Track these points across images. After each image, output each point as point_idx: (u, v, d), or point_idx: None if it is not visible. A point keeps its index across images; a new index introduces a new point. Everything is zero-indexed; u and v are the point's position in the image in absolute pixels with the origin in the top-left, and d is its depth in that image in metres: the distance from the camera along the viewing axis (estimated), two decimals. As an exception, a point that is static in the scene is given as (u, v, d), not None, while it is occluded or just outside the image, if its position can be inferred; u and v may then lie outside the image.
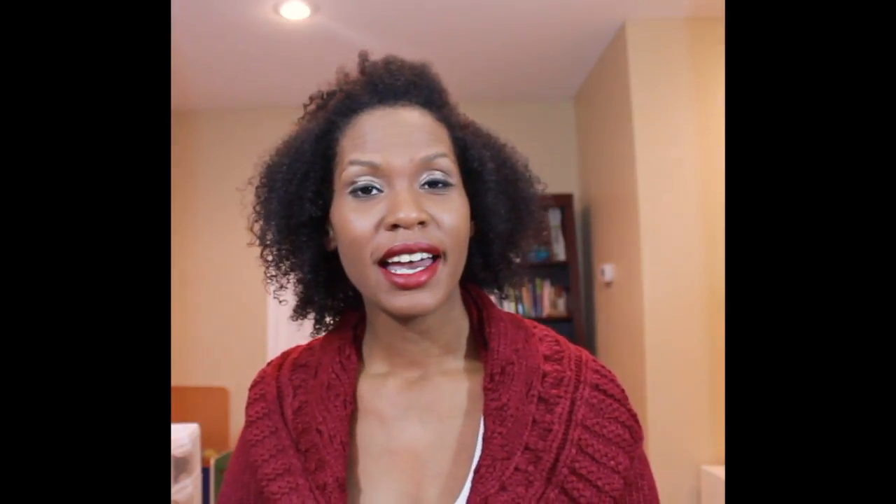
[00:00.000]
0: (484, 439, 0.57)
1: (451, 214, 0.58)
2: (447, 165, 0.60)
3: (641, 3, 2.65)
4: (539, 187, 0.69)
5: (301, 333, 0.71)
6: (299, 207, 0.63)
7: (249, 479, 0.64)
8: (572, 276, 3.38)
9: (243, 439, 0.66)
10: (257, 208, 0.66)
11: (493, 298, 0.70)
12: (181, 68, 3.13)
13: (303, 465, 0.59)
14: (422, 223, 0.57)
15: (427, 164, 0.59)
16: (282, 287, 0.68)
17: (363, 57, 0.66)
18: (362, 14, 2.70)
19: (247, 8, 2.62)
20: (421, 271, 0.56)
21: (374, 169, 0.58)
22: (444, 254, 0.58)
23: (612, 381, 0.63)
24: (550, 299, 3.44)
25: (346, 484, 0.57)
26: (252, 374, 0.70)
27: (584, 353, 0.65)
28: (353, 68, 0.66)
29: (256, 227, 0.66)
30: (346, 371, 0.63)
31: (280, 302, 0.68)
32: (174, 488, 2.26)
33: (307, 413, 0.62)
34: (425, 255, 0.57)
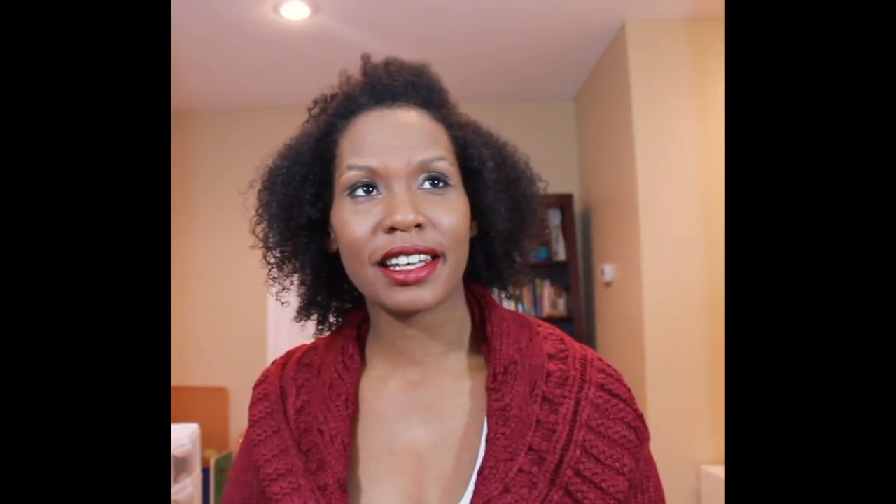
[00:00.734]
0: (487, 440, 0.57)
1: (449, 215, 0.58)
2: (445, 167, 0.60)
3: (641, 3, 2.65)
4: (540, 185, 0.68)
5: (301, 333, 0.71)
6: (299, 209, 0.63)
7: (253, 479, 0.64)
8: (572, 276, 3.38)
9: (246, 439, 0.66)
10: (259, 211, 0.66)
11: (496, 297, 0.70)
12: (181, 68, 3.13)
13: (304, 465, 0.59)
14: (419, 225, 0.57)
15: (425, 167, 0.59)
16: (284, 289, 0.68)
17: (365, 59, 0.66)
18: (362, 14, 2.70)
19: (247, 8, 2.62)
20: (420, 267, 0.57)
21: (372, 172, 0.59)
22: (443, 255, 0.58)
23: (619, 380, 0.62)
24: (550, 299, 3.44)
25: (348, 485, 0.57)
26: (252, 374, 0.70)
27: (590, 352, 0.64)
28: (355, 70, 0.66)
29: (258, 229, 0.67)
30: (348, 371, 0.63)
31: (282, 304, 0.68)
32: (174, 488, 2.26)
33: (309, 413, 0.61)
34: (423, 257, 0.57)
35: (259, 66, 3.21)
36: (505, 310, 0.67)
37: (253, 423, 0.64)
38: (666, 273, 2.65)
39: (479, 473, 0.55)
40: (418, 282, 0.56)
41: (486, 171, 0.63)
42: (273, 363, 0.70)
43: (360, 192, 0.59)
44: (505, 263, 0.68)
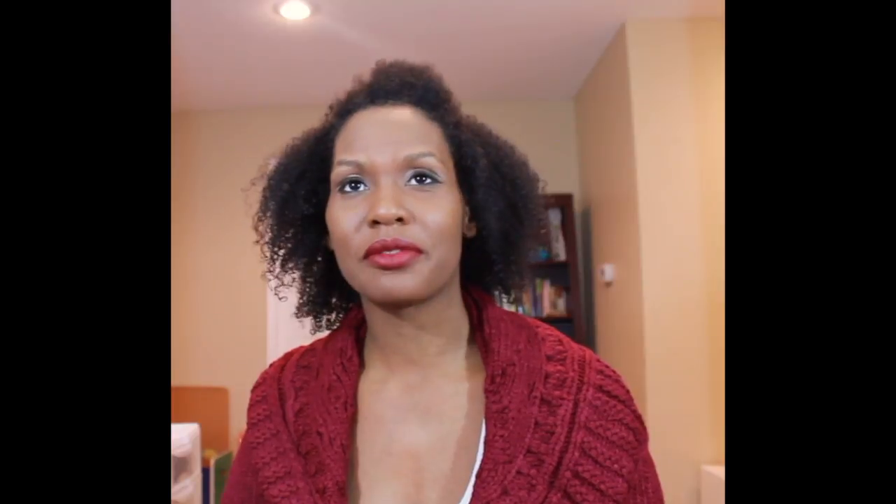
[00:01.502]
0: (485, 442, 0.57)
1: (434, 212, 0.59)
2: (433, 164, 0.60)
3: (641, 3, 2.65)
4: (539, 186, 0.68)
5: (301, 334, 0.71)
6: (293, 205, 0.65)
7: (251, 482, 0.64)
8: (572, 276, 3.38)
9: (245, 441, 0.66)
10: (260, 206, 0.68)
11: (498, 300, 0.70)
12: (181, 68, 3.13)
13: (303, 467, 0.59)
14: (400, 220, 0.57)
15: (411, 163, 0.59)
16: (283, 284, 0.68)
17: (379, 65, 0.67)
18: (362, 14, 2.70)
19: (247, 8, 2.62)
20: (400, 252, 0.57)
21: (360, 168, 0.60)
22: (426, 252, 0.58)
23: (617, 381, 0.62)
24: (550, 299, 3.44)
25: (347, 487, 0.57)
26: (252, 374, 0.70)
27: (588, 353, 0.64)
28: (367, 73, 0.68)
29: (260, 225, 0.68)
30: (347, 373, 0.63)
31: (280, 299, 0.69)
32: (174, 488, 2.26)
33: (308, 415, 0.61)
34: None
35: (259, 66, 3.21)
36: (503, 311, 0.67)
37: (251, 425, 0.64)
38: (666, 273, 2.65)
39: (478, 476, 0.55)
40: (401, 266, 0.57)
41: (478, 168, 0.63)
42: (271, 365, 0.70)
43: (348, 187, 0.60)
44: (502, 265, 0.67)
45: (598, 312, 3.39)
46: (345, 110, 0.64)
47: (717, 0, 2.44)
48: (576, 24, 2.84)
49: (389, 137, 0.60)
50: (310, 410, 0.62)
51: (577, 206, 3.61)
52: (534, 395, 0.59)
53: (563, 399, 0.59)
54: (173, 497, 2.23)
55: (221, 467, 3.17)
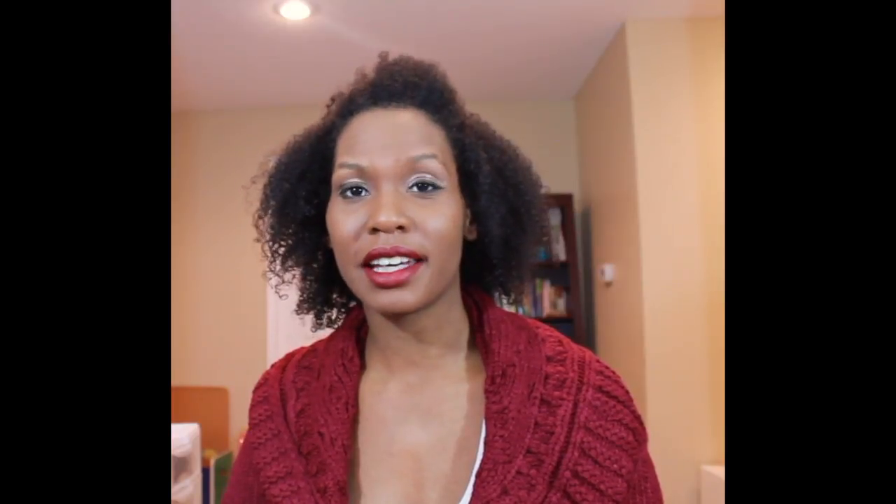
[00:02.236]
0: (485, 442, 0.57)
1: (436, 219, 0.58)
2: (435, 167, 0.59)
3: (641, 3, 2.65)
4: (542, 190, 0.68)
5: (301, 333, 0.72)
6: (294, 205, 0.64)
7: (253, 481, 0.64)
8: (572, 276, 3.38)
9: (246, 441, 0.66)
10: (261, 204, 0.67)
11: (497, 301, 0.70)
12: (181, 68, 3.13)
13: (304, 468, 0.59)
14: (401, 227, 0.57)
15: (413, 166, 0.59)
16: (283, 282, 0.68)
17: (382, 58, 0.66)
18: (362, 14, 2.70)
19: (247, 8, 2.62)
20: (401, 270, 0.57)
21: (361, 171, 0.59)
22: (426, 258, 0.58)
23: (616, 382, 0.62)
24: (550, 299, 3.44)
25: (348, 487, 0.57)
26: (252, 374, 0.70)
27: (588, 354, 0.64)
28: (369, 69, 0.67)
29: (260, 222, 0.68)
30: (348, 374, 0.63)
31: (281, 297, 0.69)
32: (174, 488, 2.26)
33: (309, 416, 0.61)
34: (404, 260, 0.57)
35: (259, 66, 3.21)
36: (503, 311, 0.67)
37: (253, 425, 0.65)
38: (666, 273, 2.65)
39: (478, 475, 0.56)
40: (399, 284, 0.57)
41: (481, 174, 0.63)
42: (273, 366, 0.70)
43: (349, 192, 0.60)
44: (503, 268, 0.67)
45: (598, 312, 3.39)
46: (347, 110, 0.63)
47: (717, 0, 2.44)
48: (576, 24, 2.84)
49: (392, 141, 0.59)
50: (311, 411, 0.62)
51: (577, 206, 3.61)
52: (534, 395, 0.59)
53: (562, 399, 0.59)
54: (173, 497, 2.23)
55: (221, 467, 3.17)
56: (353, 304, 0.71)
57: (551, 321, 3.30)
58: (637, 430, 0.60)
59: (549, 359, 0.62)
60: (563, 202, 3.41)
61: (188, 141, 3.72)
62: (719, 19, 2.67)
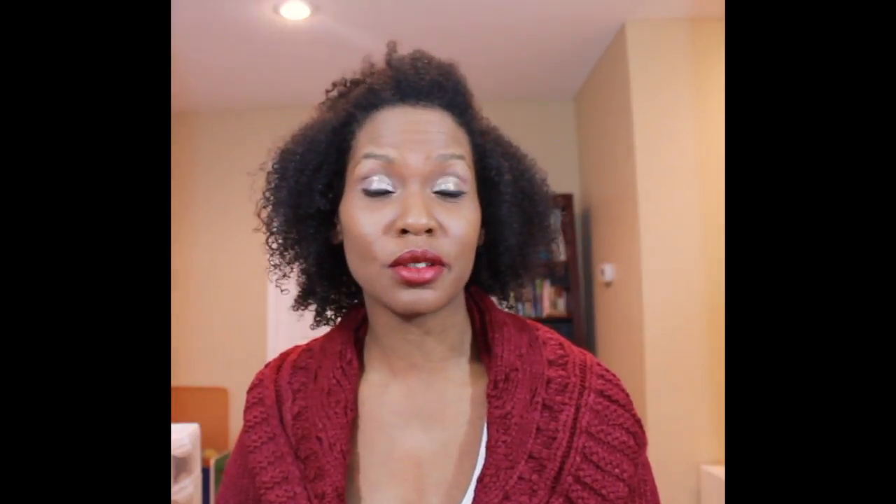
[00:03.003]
0: (487, 448, 0.57)
1: (459, 223, 0.57)
2: (462, 169, 0.59)
3: (641, 3, 2.65)
4: (552, 203, 0.68)
5: (301, 334, 0.71)
6: (308, 199, 0.62)
7: (248, 484, 0.64)
8: (572, 276, 3.38)
9: (241, 443, 0.65)
10: (267, 195, 0.65)
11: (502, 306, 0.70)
12: (181, 68, 3.13)
13: (301, 472, 0.58)
14: (429, 231, 0.56)
15: (442, 165, 0.58)
16: (284, 276, 0.67)
17: (391, 49, 0.65)
18: (362, 14, 2.70)
19: (247, 8, 2.62)
20: (426, 268, 0.56)
21: (389, 164, 0.57)
22: (449, 264, 0.57)
23: (617, 385, 0.62)
24: (550, 299, 3.44)
25: (347, 492, 0.57)
26: (252, 374, 0.69)
27: (589, 357, 0.64)
28: (379, 58, 0.65)
29: (264, 213, 0.65)
30: (347, 377, 0.62)
31: (282, 291, 0.67)
32: (174, 488, 2.26)
33: (307, 419, 0.60)
34: (429, 263, 0.56)
35: (259, 66, 3.21)
36: (504, 314, 0.67)
37: (248, 428, 0.63)
38: (666, 273, 2.65)
39: (480, 481, 0.55)
40: (424, 283, 0.56)
41: (503, 183, 0.62)
42: (267, 366, 0.68)
43: (373, 189, 0.58)
44: (510, 275, 0.67)
45: (598, 312, 3.39)
46: (369, 103, 0.61)
47: (717, 0, 2.44)
48: (576, 24, 2.84)
49: (423, 136, 0.58)
50: (309, 414, 0.61)
51: (577, 207, 3.61)
52: (535, 400, 0.59)
53: (564, 404, 0.59)
54: (173, 497, 2.23)
55: (221, 467, 3.17)
56: (348, 303, 0.70)
57: (551, 321, 3.30)
58: (637, 434, 0.60)
59: (550, 363, 0.61)
60: (563, 202, 3.41)
61: (188, 141, 3.72)
62: (719, 20, 2.67)
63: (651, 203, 2.68)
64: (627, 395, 0.62)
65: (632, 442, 0.59)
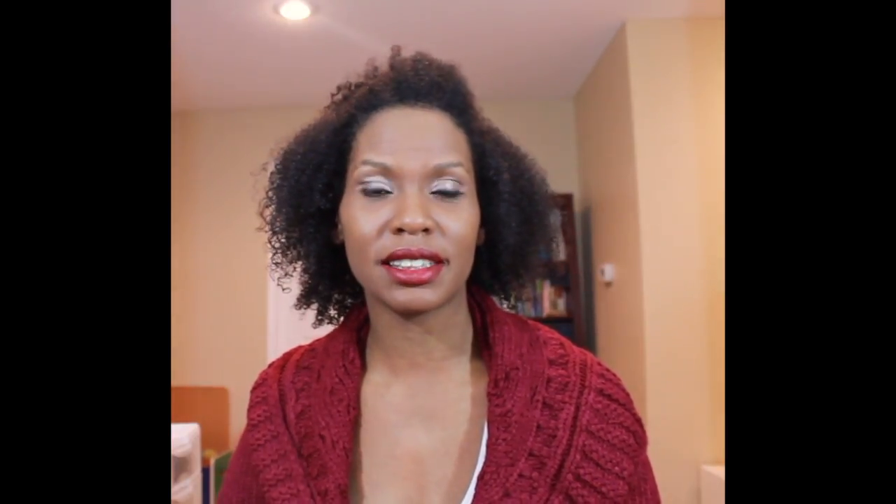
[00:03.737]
0: (488, 445, 0.57)
1: (457, 223, 0.58)
2: (460, 174, 0.59)
3: (641, 3, 2.65)
4: (552, 203, 0.68)
5: (302, 333, 0.71)
6: (309, 198, 0.63)
7: (251, 482, 0.64)
8: (572, 276, 3.38)
9: (244, 442, 0.66)
10: (269, 194, 0.66)
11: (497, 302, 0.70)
12: (181, 68, 3.13)
13: (304, 470, 0.59)
14: (426, 230, 0.56)
15: (440, 171, 0.58)
16: (286, 275, 0.67)
17: (395, 52, 0.66)
18: (362, 14, 2.70)
19: (247, 8, 2.62)
20: (424, 269, 0.56)
21: (386, 170, 0.58)
22: (447, 261, 0.58)
23: (617, 384, 0.62)
24: (550, 299, 3.44)
25: (349, 490, 0.57)
26: (252, 374, 0.70)
27: (589, 357, 0.64)
28: (382, 61, 0.66)
29: (266, 212, 0.66)
30: (349, 376, 0.62)
31: (284, 290, 0.68)
32: (174, 488, 2.26)
33: (310, 418, 0.61)
34: (426, 262, 0.57)
35: (259, 66, 3.21)
36: (505, 313, 0.67)
37: (251, 426, 0.64)
38: (666, 273, 2.65)
39: (480, 478, 0.56)
40: (421, 283, 0.56)
41: (501, 182, 0.63)
42: (270, 365, 0.69)
43: (371, 189, 0.58)
44: (510, 274, 0.68)
45: (598, 312, 3.39)
46: (369, 104, 0.62)
47: (717, 0, 2.44)
48: (576, 24, 2.84)
49: (420, 143, 0.59)
50: (312, 413, 0.61)
51: (577, 206, 3.61)
52: (536, 398, 0.59)
53: (564, 403, 0.59)
54: (173, 497, 2.23)
55: (221, 467, 3.17)
56: (351, 302, 0.71)
57: (551, 321, 3.30)
58: (637, 433, 0.60)
59: (551, 362, 0.62)
60: (563, 202, 3.41)
61: (188, 140, 3.71)
62: (719, 19, 2.67)
63: (651, 203, 2.68)
64: (628, 395, 0.62)
65: (632, 440, 0.59)
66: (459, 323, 0.64)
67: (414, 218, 0.56)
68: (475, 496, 0.55)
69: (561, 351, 0.63)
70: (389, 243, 0.57)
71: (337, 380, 0.62)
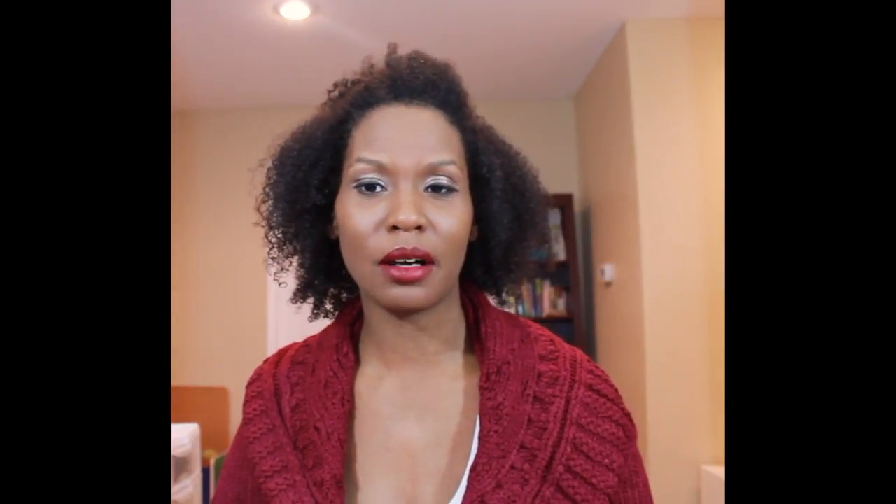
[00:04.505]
0: (480, 438, 0.58)
1: (450, 220, 0.59)
2: (454, 172, 0.60)
3: (641, 3, 2.65)
4: (544, 199, 0.69)
5: (301, 333, 0.72)
6: (305, 194, 0.64)
7: (247, 476, 0.65)
8: (572, 276, 3.38)
9: (241, 436, 0.67)
10: (266, 189, 0.67)
11: (491, 300, 0.70)
12: (181, 68, 3.13)
13: (300, 461, 0.60)
14: (419, 227, 0.57)
15: (433, 170, 0.59)
16: (283, 269, 0.68)
17: (391, 50, 0.67)
18: (362, 14, 2.70)
19: (247, 8, 2.62)
20: (416, 267, 0.57)
21: (381, 168, 0.59)
22: (438, 260, 0.58)
23: (606, 380, 0.64)
24: (550, 299, 3.44)
25: (344, 480, 0.58)
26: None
27: (579, 353, 0.66)
28: (378, 59, 0.67)
29: (263, 207, 0.67)
30: (343, 369, 0.63)
31: (280, 284, 0.68)
32: (174, 488, 2.26)
33: (305, 410, 0.62)
34: (419, 260, 0.58)
35: (259, 66, 3.21)
36: (498, 310, 0.68)
37: (247, 420, 0.65)
38: (666, 273, 2.65)
39: (472, 469, 0.57)
40: (414, 281, 0.57)
41: (494, 179, 0.64)
42: (266, 361, 0.70)
43: (364, 187, 0.59)
44: (502, 271, 0.69)
45: (598, 312, 3.39)
46: (364, 101, 0.63)
47: (717, 0, 2.44)
48: (576, 24, 2.84)
49: (414, 141, 0.60)
50: (307, 406, 0.62)
51: (577, 206, 3.61)
52: (527, 392, 0.60)
53: (555, 396, 0.60)
54: (173, 497, 2.23)
55: (221, 467, 3.17)
56: (346, 296, 0.71)
57: (551, 321, 3.30)
58: (626, 427, 0.62)
59: (541, 357, 0.63)
60: (563, 202, 3.41)
61: (188, 140, 3.71)
62: (719, 19, 2.67)
63: (651, 203, 2.68)
64: (616, 390, 0.64)
65: (621, 433, 0.61)
66: (452, 319, 0.65)
67: (408, 215, 0.56)
68: (468, 487, 0.56)
69: (551, 347, 0.65)
70: (385, 243, 0.57)
71: (331, 373, 0.63)
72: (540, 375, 0.61)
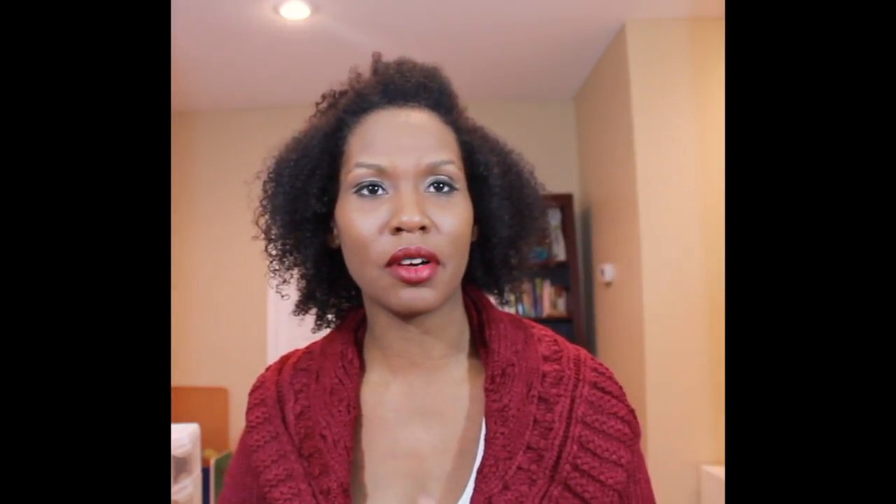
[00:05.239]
0: (486, 440, 0.58)
1: (452, 219, 0.59)
2: (453, 171, 0.60)
3: (641, 3, 2.65)
4: (542, 194, 0.69)
5: (301, 334, 0.71)
6: (304, 203, 0.63)
7: (251, 483, 0.64)
8: (572, 276, 3.38)
9: (244, 444, 0.66)
10: (263, 202, 0.66)
11: (493, 300, 0.70)
12: (181, 68, 3.13)
13: (305, 470, 0.59)
14: (423, 228, 0.57)
15: (433, 170, 0.59)
16: (284, 281, 0.68)
17: (376, 58, 0.67)
18: (362, 14, 2.70)
19: (247, 8, 2.62)
20: (423, 266, 0.57)
21: (380, 171, 0.59)
22: (443, 260, 0.58)
23: (610, 378, 0.64)
24: (550, 299, 3.44)
25: (351, 488, 0.58)
26: (252, 374, 0.70)
27: (582, 352, 0.66)
28: (364, 68, 0.67)
29: (262, 220, 0.67)
30: (348, 376, 0.63)
31: (282, 296, 0.68)
32: (174, 488, 2.26)
33: (310, 418, 0.62)
34: (424, 260, 0.57)
35: (259, 66, 3.21)
36: (501, 312, 0.68)
37: (250, 428, 0.64)
38: (666, 273, 2.65)
39: (479, 471, 0.56)
40: (421, 281, 0.57)
41: (491, 177, 0.64)
42: (268, 368, 0.70)
43: (365, 190, 0.59)
44: (503, 269, 0.68)
45: (598, 312, 3.39)
46: (358, 107, 0.63)
47: (717, 0, 2.44)
48: (576, 24, 2.84)
49: (411, 142, 0.60)
50: (312, 413, 0.62)
51: (577, 206, 3.61)
52: (532, 393, 0.60)
53: (560, 396, 0.60)
54: (173, 497, 2.23)
55: (221, 467, 3.17)
56: (348, 306, 0.71)
57: (551, 321, 3.30)
58: (632, 423, 0.62)
59: (545, 358, 0.63)
60: (563, 202, 3.41)
61: (188, 141, 3.71)
62: (719, 19, 2.67)
63: (651, 203, 2.68)
64: (620, 388, 0.63)
65: (627, 430, 0.60)
66: (456, 321, 0.65)
67: (411, 216, 0.56)
68: (475, 490, 0.56)
69: (555, 347, 0.65)
70: (389, 245, 0.57)
71: (336, 380, 0.63)
72: (544, 376, 0.61)
